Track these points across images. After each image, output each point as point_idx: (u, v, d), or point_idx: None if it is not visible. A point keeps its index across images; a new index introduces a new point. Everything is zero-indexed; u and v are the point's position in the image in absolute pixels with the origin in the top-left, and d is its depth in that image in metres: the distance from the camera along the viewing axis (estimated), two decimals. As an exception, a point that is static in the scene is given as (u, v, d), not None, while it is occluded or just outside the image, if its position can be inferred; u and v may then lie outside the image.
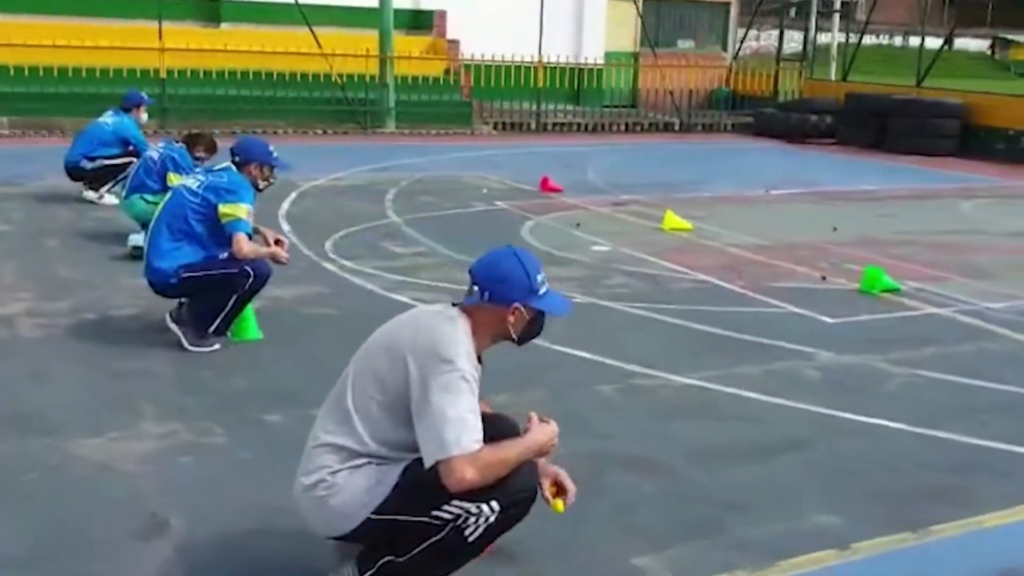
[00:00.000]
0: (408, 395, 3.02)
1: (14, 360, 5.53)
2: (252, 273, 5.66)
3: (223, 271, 5.66)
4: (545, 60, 20.46)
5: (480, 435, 2.96)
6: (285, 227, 9.35)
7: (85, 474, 4.17)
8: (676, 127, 21.92)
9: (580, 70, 23.02)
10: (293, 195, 11.23)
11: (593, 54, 23.20)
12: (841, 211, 11.89)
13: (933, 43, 23.70)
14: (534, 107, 20.69)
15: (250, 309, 5.98)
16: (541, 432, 3.11)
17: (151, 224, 5.86)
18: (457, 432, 2.91)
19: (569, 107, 22.14)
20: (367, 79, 18.83)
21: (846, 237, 10.05)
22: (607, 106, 22.49)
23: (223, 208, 5.68)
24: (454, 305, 3.26)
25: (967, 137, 18.43)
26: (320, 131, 18.04)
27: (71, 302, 6.67)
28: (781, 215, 11.41)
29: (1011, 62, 61.28)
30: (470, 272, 3.24)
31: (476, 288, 3.19)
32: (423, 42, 21.37)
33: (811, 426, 4.97)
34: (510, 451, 3.01)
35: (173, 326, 5.83)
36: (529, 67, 20.56)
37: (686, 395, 5.35)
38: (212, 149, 8.45)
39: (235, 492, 4.05)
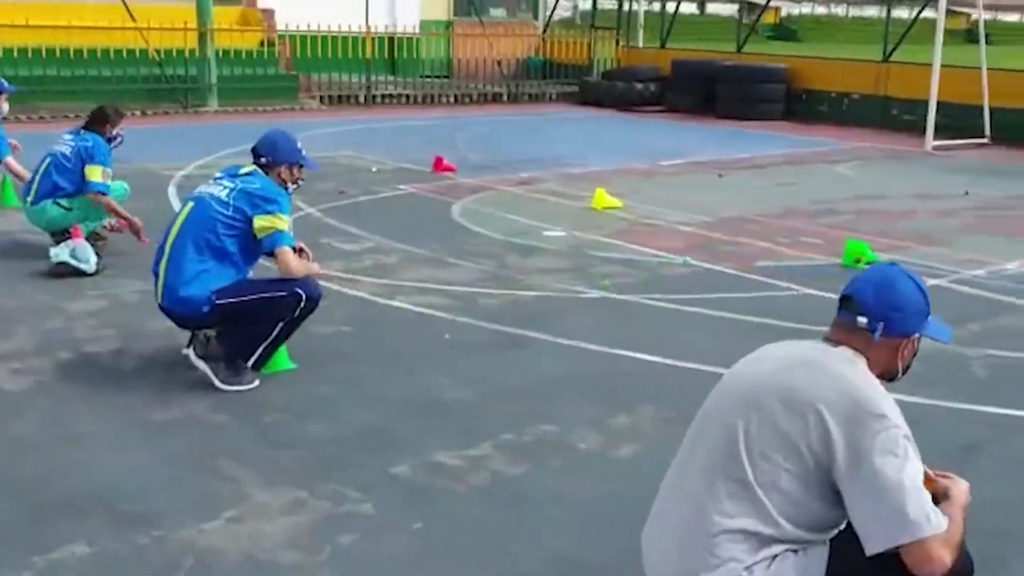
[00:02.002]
0: (830, 461, 2.44)
1: (24, 421, 4.43)
2: (304, 295, 4.78)
3: (269, 294, 4.75)
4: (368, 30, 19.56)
5: None
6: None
7: (242, 574, 3.30)
8: (504, 97, 21.51)
9: (396, 39, 22.23)
10: (173, 189, 10.02)
11: (408, 23, 22.41)
12: (740, 180, 11.87)
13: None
14: (359, 79, 19.74)
15: (279, 335, 5.09)
16: (960, 491, 2.61)
17: (167, 241, 4.84)
18: (922, 507, 2.38)
19: (389, 78, 21.33)
20: (186, 54, 17.27)
21: (772, 208, 9.98)
22: (424, 76, 21.81)
23: (260, 221, 4.77)
24: (829, 341, 2.67)
25: (791, 101, 19.03)
26: (138, 112, 16.34)
27: (28, 339, 5.50)
28: (694, 188, 11.24)
29: (759, 26, 64.79)
30: (851, 299, 2.64)
31: (865, 319, 2.61)
32: (234, 12, 19.88)
33: (963, 424, 4.70)
34: (957, 524, 2.50)
35: (200, 363, 4.87)
36: (353, 38, 19.60)
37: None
38: (121, 115, 7.35)
39: (447, 577, 3.32)
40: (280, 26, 19.51)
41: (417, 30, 22.79)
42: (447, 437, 4.38)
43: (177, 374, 4.99)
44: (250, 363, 4.85)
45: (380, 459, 4.14)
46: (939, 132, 15.22)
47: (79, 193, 7.02)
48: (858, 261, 7.61)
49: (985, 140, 15.61)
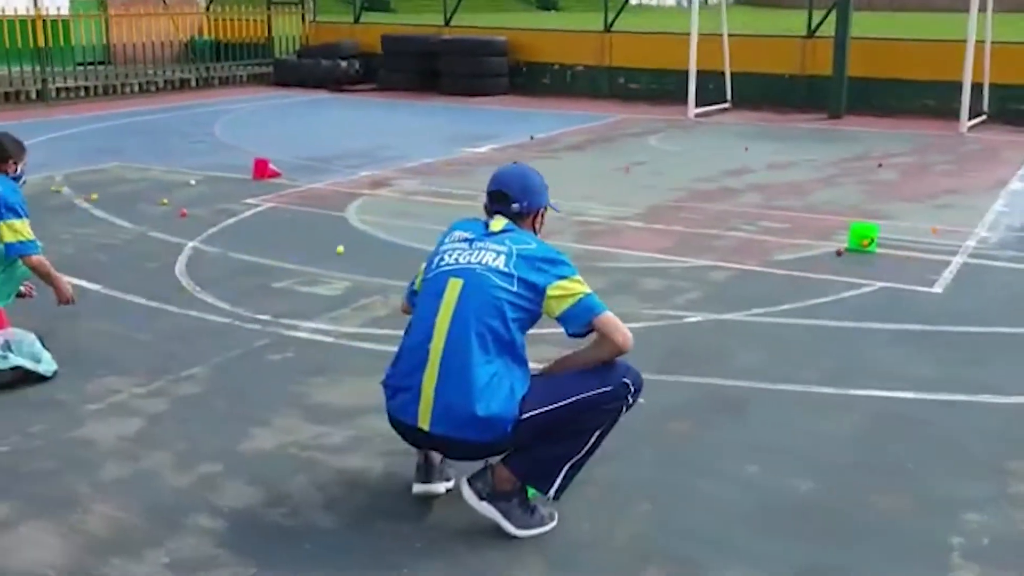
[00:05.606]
0: None
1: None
2: (632, 386, 3.36)
3: (589, 393, 3.26)
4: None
5: None
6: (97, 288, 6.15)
7: None
8: (192, 83, 19.04)
9: (44, 22, 18.90)
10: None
11: (54, 3, 19.13)
12: (584, 164, 11.12)
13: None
14: (30, 71, 16.56)
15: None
16: None
17: (433, 339, 3.20)
18: None
19: (51, 70, 18.08)
20: None
21: (671, 194, 9.30)
22: (78, 64, 18.77)
23: (556, 290, 3.26)
24: None
25: (512, 74, 18.51)
26: None
27: (107, 505, 3.53)
28: (556, 175, 10.26)
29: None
30: None
31: None
32: None
33: None
34: None
35: (486, 508, 3.31)
36: (17, 21, 16.38)
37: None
38: (23, 148, 5.19)
39: None
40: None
41: (66, 11, 19.55)
42: (901, 562, 3.25)
43: (422, 521, 3.42)
44: (551, 492, 3.37)
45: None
46: (679, 99, 15.42)
47: (-9, 254, 4.82)
48: (865, 244, 7.19)
49: (728, 105, 16.06)
